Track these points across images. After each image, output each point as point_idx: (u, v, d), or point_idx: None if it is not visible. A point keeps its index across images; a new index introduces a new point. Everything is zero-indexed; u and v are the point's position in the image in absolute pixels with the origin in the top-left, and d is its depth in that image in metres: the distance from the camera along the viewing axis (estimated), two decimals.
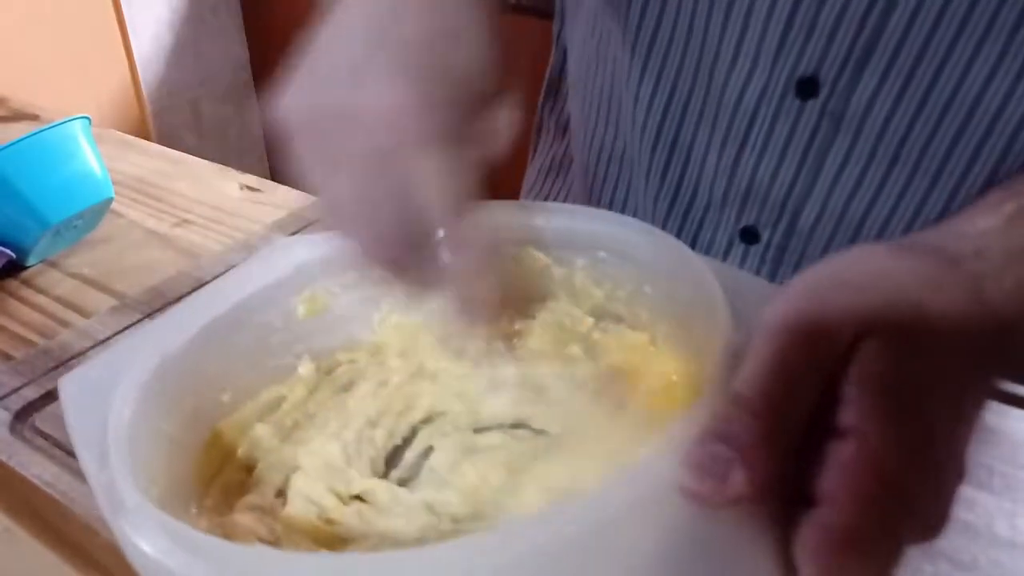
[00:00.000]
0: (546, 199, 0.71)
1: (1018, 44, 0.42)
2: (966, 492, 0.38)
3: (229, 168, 0.77)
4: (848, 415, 0.25)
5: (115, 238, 0.65)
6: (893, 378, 0.25)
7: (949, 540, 0.37)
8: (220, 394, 0.39)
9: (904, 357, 0.26)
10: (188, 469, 0.36)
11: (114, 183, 0.65)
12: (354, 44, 0.35)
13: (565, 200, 0.70)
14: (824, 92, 0.48)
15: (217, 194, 0.71)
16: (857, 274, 0.29)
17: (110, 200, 0.64)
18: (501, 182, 0.82)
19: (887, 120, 0.47)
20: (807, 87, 0.48)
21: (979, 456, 0.40)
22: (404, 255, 0.36)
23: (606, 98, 0.61)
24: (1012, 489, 0.39)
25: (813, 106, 0.49)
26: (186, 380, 0.36)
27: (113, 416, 0.31)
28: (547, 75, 0.72)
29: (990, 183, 0.46)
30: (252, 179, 0.74)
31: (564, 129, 0.71)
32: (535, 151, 0.75)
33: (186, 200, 0.71)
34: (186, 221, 0.68)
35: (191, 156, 0.80)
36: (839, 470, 0.24)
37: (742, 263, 0.55)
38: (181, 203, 0.71)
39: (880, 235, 0.50)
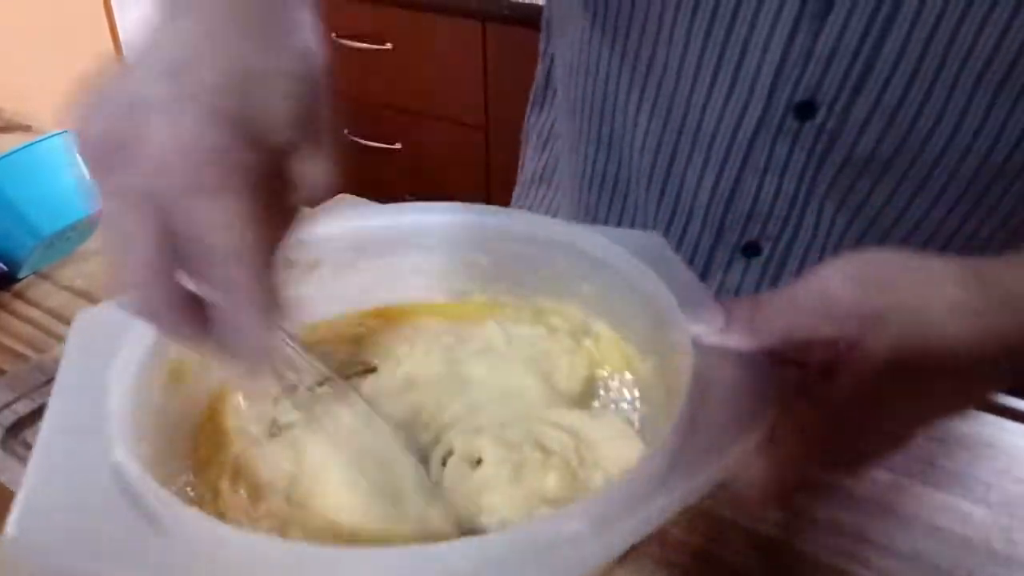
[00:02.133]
0: (532, 209, 0.72)
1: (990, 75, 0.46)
2: (963, 506, 0.39)
3: None
4: (835, 390, 0.32)
5: None
6: (874, 383, 0.32)
7: (946, 554, 0.36)
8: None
9: (899, 375, 0.32)
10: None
11: None
12: (154, 73, 0.31)
13: (552, 210, 0.71)
14: (822, 113, 0.49)
15: None
16: (910, 291, 0.33)
17: None
18: (496, 194, 0.81)
19: (879, 138, 0.49)
20: (805, 110, 0.50)
21: (976, 471, 0.40)
22: (185, 310, 0.31)
23: (597, 118, 0.61)
24: (1009, 504, 0.39)
25: (811, 126, 0.50)
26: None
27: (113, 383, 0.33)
28: (533, 87, 0.72)
29: (964, 194, 0.51)
30: None
31: (546, 141, 0.72)
32: (522, 163, 0.75)
33: None
34: None
35: None
36: (795, 422, 0.32)
37: (743, 276, 0.56)
38: None
39: (863, 240, 0.53)
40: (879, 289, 0.33)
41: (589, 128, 0.62)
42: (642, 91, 0.57)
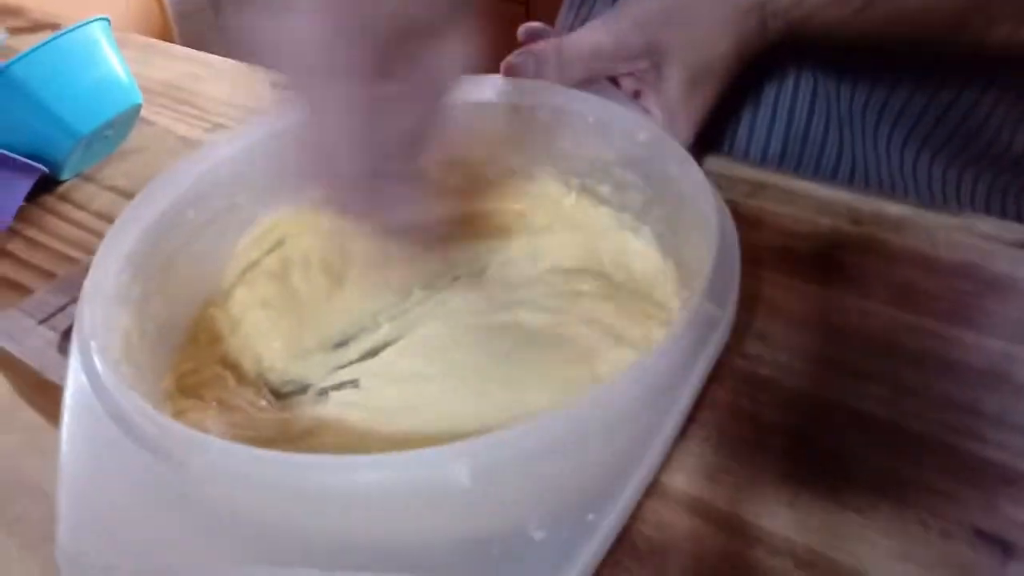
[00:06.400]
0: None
1: None
2: None
3: None
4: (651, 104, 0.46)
5: (148, 147, 0.63)
6: (684, 93, 0.45)
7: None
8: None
9: (691, 80, 0.45)
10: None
11: (141, 90, 0.62)
12: None
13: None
14: None
15: (250, 95, 0.68)
16: (679, 16, 0.45)
17: (139, 107, 0.61)
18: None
19: None
20: None
21: None
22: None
23: None
24: None
25: None
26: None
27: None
28: None
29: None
30: None
31: None
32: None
33: (218, 104, 0.68)
34: (220, 125, 0.65)
35: (219, 57, 0.76)
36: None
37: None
38: (213, 107, 0.67)
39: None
40: (660, 27, 0.44)
41: None
42: None
